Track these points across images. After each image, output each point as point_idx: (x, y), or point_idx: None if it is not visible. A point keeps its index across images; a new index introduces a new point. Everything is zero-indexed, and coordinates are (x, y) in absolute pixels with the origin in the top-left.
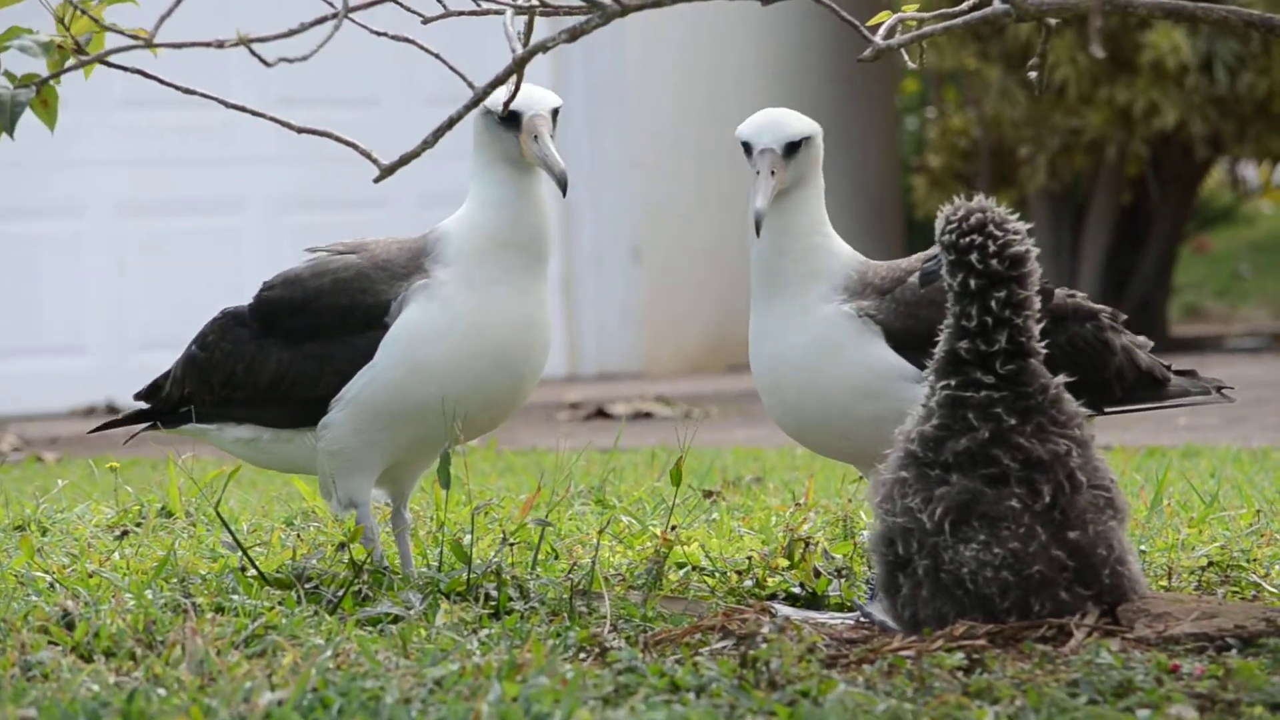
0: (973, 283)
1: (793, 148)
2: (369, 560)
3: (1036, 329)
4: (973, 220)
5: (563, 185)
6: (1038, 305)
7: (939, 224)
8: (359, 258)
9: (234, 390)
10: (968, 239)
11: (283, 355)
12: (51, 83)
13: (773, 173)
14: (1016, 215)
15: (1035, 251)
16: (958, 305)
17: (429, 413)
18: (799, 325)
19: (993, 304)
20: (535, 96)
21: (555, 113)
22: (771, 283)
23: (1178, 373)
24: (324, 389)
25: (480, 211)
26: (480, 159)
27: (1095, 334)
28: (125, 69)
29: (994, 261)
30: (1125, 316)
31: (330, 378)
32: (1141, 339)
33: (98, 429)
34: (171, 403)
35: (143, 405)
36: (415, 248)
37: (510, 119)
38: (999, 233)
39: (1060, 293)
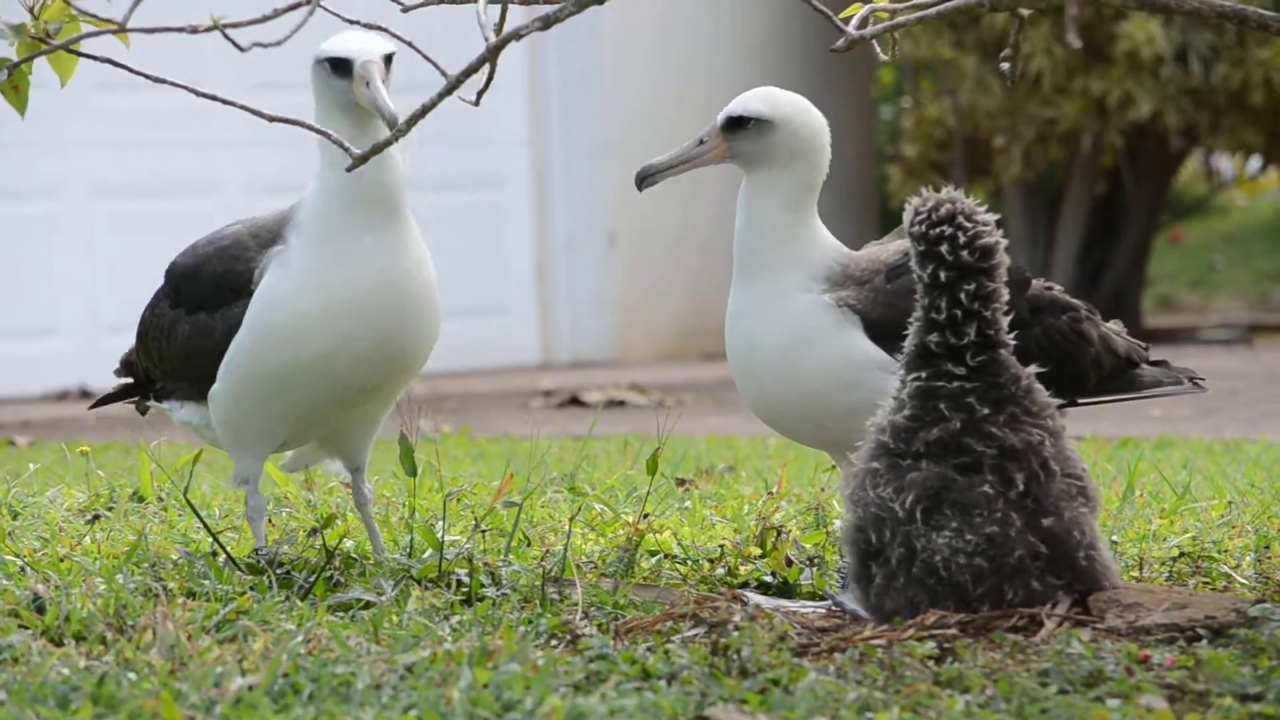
0: (943, 274)
1: (734, 123)
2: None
3: (1005, 321)
4: (942, 211)
5: (391, 125)
6: (1006, 297)
7: (907, 215)
8: (242, 226)
9: (165, 364)
10: (937, 230)
11: (185, 327)
12: (22, 67)
13: (701, 141)
14: (986, 206)
15: (1004, 243)
16: (927, 298)
17: (303, 378)
18: (776, 312)
19: (962, 296)
20: (366, 43)
21: (389, 59)
22: (748, 264)
23: (1151, 363)
24: (212, 360)
25: (327, 173)
26: (319, 112)
27: (1072, 325)
28: (95, 58)
29: (964, 253)
30: (1099, 314)
31: (213, 348)
32: (1116, 324)
33: (95, 404)
34: (141, 377)
35: (128, 380)
36: (281, 215)
37: (341, 67)
38: (969, 224)
39: (1038, 284)
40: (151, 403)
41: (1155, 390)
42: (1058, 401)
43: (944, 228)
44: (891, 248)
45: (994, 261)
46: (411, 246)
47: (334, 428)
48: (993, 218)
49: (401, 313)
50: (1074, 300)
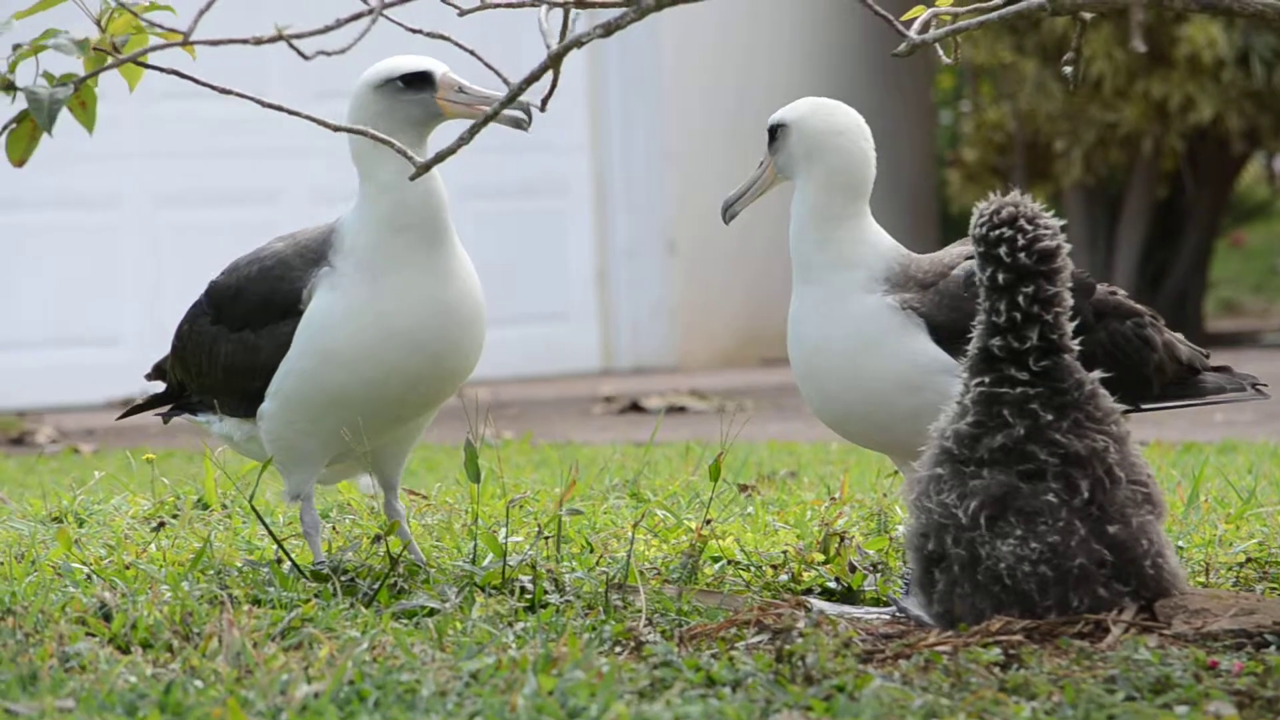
0: (1001, 277)
1: (770, 135)
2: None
3: (1069, 326)
4: (1004, 214)
5: (522, 122)
6: (1069, 302)
7: (973, 219)
8: (285, 244)
9: (204, 379)
10: (997, 232)
11: (228, 345)
12: (89, 83)
13: (760, 164)
14: (1051, 211)
15: (1067, 248)
16: (988, 300)
17: (352, 400)
18: (838, 314)
19: (1020, 299)
20: (428, 59)
21: None
22: (802, 268)
23: (1213, 369)
24: (259, 379)
25: (371, 199)
26: (360, 148)
27: (1136, 331)
28: (161, 69)
29: (1022, 255)
30: (1164, 320)
31: (261, 368)
32: (1176, 336)
33: (123, 415)
34: (173, 387)
35: (158, 387)
36: (322, 235)
37: (419, 81)
38: (1029, 227)
39: (1102, 289)
40: (185, 416)
41: (1219, 396)
42: (1122, 407)
43: (1004, 230)
44: (955, 251)
45: (1055, 265)
46: (459, 268)
47: (380, 444)
48: (1057, 222)
49: (452, 337)
50: (1138, 306)
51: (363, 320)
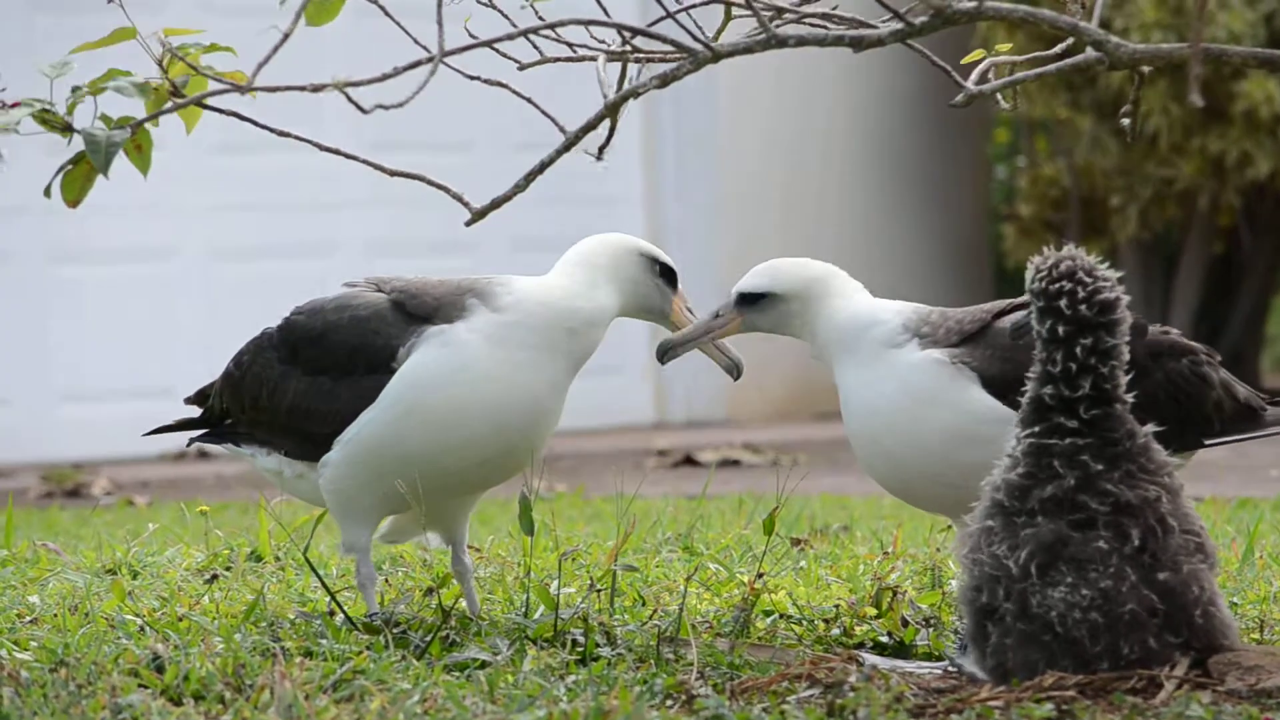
0: (1061, 329)
1: (748, 299)
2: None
3: (1124, 379)
4: (1063, 268)
5: (736, 371)
6: (1125, 356)
7: (1029, 273)
8: (383, 296)
9: (259, 414)
10: (1057, 285)
11: (299, 385)
12: (147, 126)
13: (717, 314)
14: (1107, 264)
15: (1126, 300)
16: (1045, 352)
17: (423, 461)
18: (884, 374)
19: (1078, 350)
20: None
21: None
22: (828, 358)
23: (1273, 402)
24: (330, 426)
25: (560, 286)
26: (605, 273)
27: (1192, 369)
28: (222, 111)
29: (1083, 308)
30: (1220, 356)
31: (335, 416)
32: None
33: (152, 432)
34: (214, 414)
35: (194, 412)
36: (466, 285)
37: (669, 275)
38: (1089, 279)
39: (1155, 329)
40: (227, 446)
41: None
42: (1176, 457)
43: (1064, 283)
44: (986, 306)
45: (1114, 317)
46: (566, 393)
47: (438, 503)
48: (1115, 274)
49: (533, 429)
50: (1193, 344)
51: (468, 375)
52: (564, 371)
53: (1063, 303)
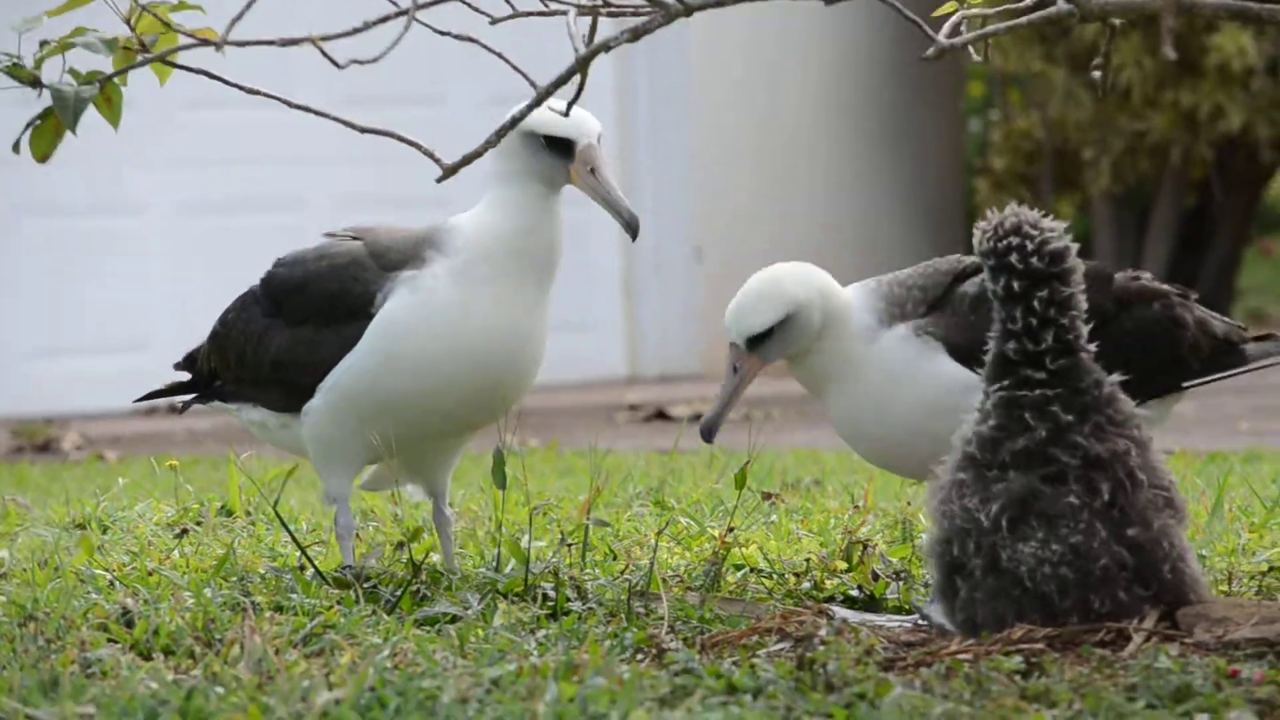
0: (1016, 284)
1: (758, 339)
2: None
3: (1084, 328)
4: (1008, 224)
5: (633, 230)
6: (1084, 304)
7: (976, 237)
8: (361, 243)
9: (244, 370)
10: (1005, 242)
11: (282, 337)
12: (115, 81)
13: (735, 369)
14: (1051, 216)
15: (1075, 247)
16: (1003, 310)
17: (403, 407)
18: (860, 364)
19: (1036, 304)
20: (585, 122)
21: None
22: (814, 383)
23: (1256, 337)
24: (312, 376)
25: (497, 215)
26: (507, 169)
27: (1164, 312)
28: (190, 69)
29: (1034, 260)
30: (1195, 294)
31: (317, 364)
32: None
33: (142, 398)
34: (204, 376)
35: (184, 376)
36: (421, 236)
37: (559, 144)
38: (1035, 232)
39: (1122, 277)
40: (215, 403)
41: (1266, 361)
42: (1144, 412)
43: (1011, 239)
44: (940, 267)
45: (1066, 266)
46: (544, 309)
47: (420, 453)
48: (1061, 225)
49: (517, 365)
50: (1164, 286)
51: (438, 326)
52: (529, 297)
53: (1013, 258)
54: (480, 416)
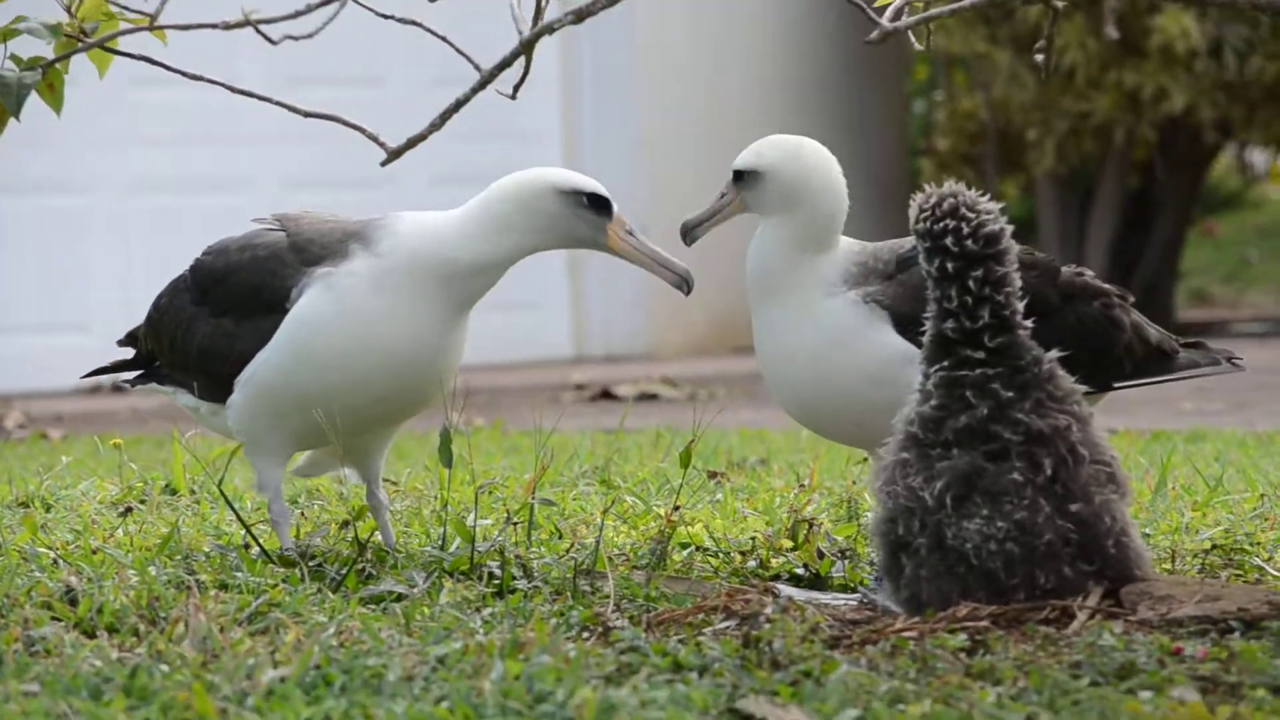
0: (950, 265)
1: (737, 176)
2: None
3: (1020, 305)
4: (945, 206)
5: (687, 286)
6: (1018, 282)
7: (912, 213)
8: (283, 236)
9: (175, 355)
10: (941, 224)
11: (206, 327)
12: (58, 66)
13: (723, 194)
14: (988, 195)
15: (1009, 229)
16: (938, 289)
17: (320, 402)
18: (805, 320)
19: (971, 284)
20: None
21: None
22: (763, 290)
23: (1185, 344)
24: (230, 368)
25: (445, 236)
26: (536, 226)
27: (1103, 311)
28: (131, 55)
29: (969, 242)
30: (1133, 298)
31: (235, 357)
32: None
33: (89, 374)
34: (144, 357)
35: (128, 353)
36: (350, 229)
37: (599, 203)
38: (971, 214)
39: (1068, 271)
40: (152, 385)
41: (1192, 371)
42: (1084, 389)
43: (947, 221)
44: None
45: (1000, 247)
46: (461, 333)
47: (349, 441)
48: (997, 206)
49: (426, 377)
50: (1106, 286)
51: (349, 325)
52: (444, 317)
53: (948, 240)
54: (396, 414)
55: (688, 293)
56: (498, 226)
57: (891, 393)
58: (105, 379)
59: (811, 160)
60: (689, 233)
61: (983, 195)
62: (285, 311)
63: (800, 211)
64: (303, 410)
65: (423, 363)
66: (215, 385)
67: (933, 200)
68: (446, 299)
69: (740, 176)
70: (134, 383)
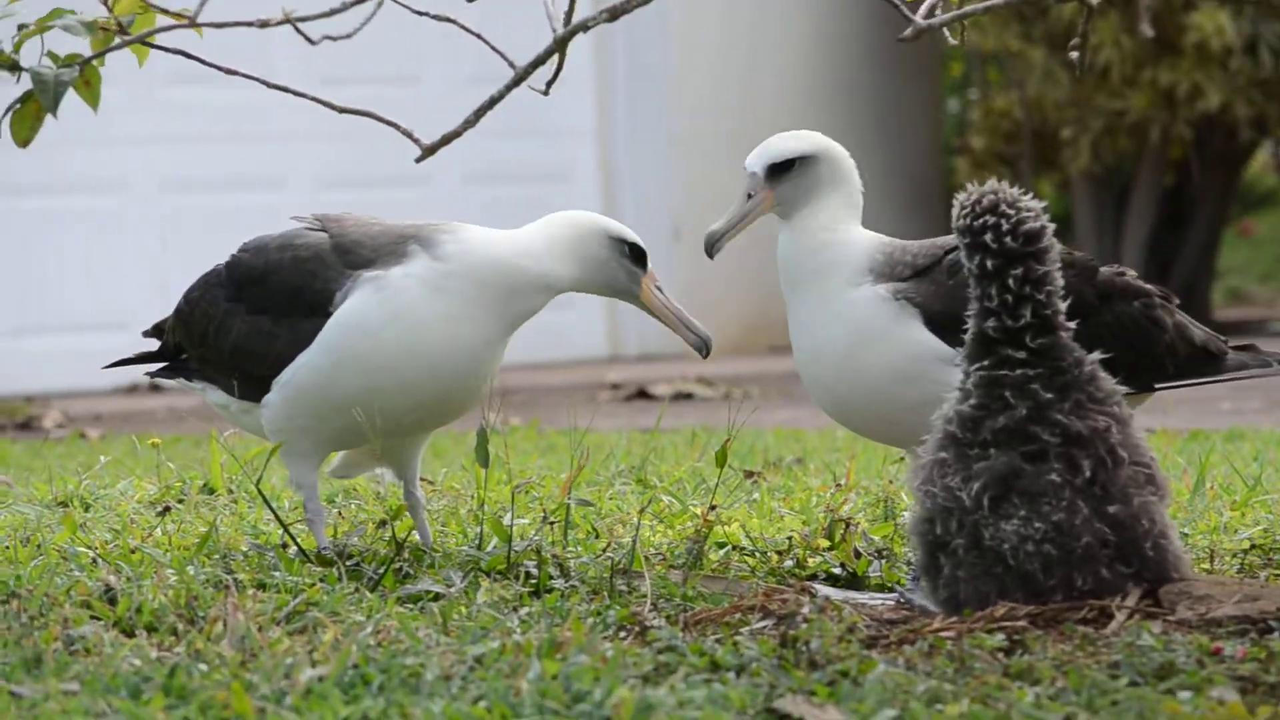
0: (989, 263)
1: (778, 169)
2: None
3: (1062, 304)
4: (985, 203)
5: (706, 349)
6: (1060, 281)
7: (954, 210)
8: (326, 236)
9: (206, 350)
10: (981, 221)
11: (242, 324)
12: (94, 63)
13: (749, 196)
14: (1030, 194)
15: (1051, 228)
16: (979, 288)
17: (361, 406)
18: (835, 313)
19: (1011, 282)
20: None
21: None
22: (793, 279)
23: (1237, 347)
24: (269, 368)
25: (532, 255)
26: (565, 245)
27: (1144, 311)
28: (168, 49)
29: (1008, 240)
30: (1177, 300)
31: (274, 357)
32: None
33: (112, 365)
34: (170, 350)
35: (153, 344)
36: (408, 231)
37: (637, 254)
38: (1011, 211)
39: (1107, 271)
40: (179, 380)
41: (1240, 373)
42: (1129, 389)
43: (987, 218)
44: (950, 236)
45: (1041, 245)
46: (502, 344)
47: (386, 443)
48: (1039, 204)
49: (467, 387)
50: (1147, 285)
51: (400, 327)
52: (499, 329)
53: (988, 237)
54: (434, 420)
55: (706, 355)
56: (560, 251)
57: (921, 390)
58: (143, 379)
59: (837, 143)
60: (715, 244)
61: (1025, 194)
62: (327, 315)
63: (838, 195)
64: (342, 413)
65: (466, 372)
66: (250, 384)
67: (973, 197)
68: (503, 312)
69: (787, 167)
70: (158, 374)
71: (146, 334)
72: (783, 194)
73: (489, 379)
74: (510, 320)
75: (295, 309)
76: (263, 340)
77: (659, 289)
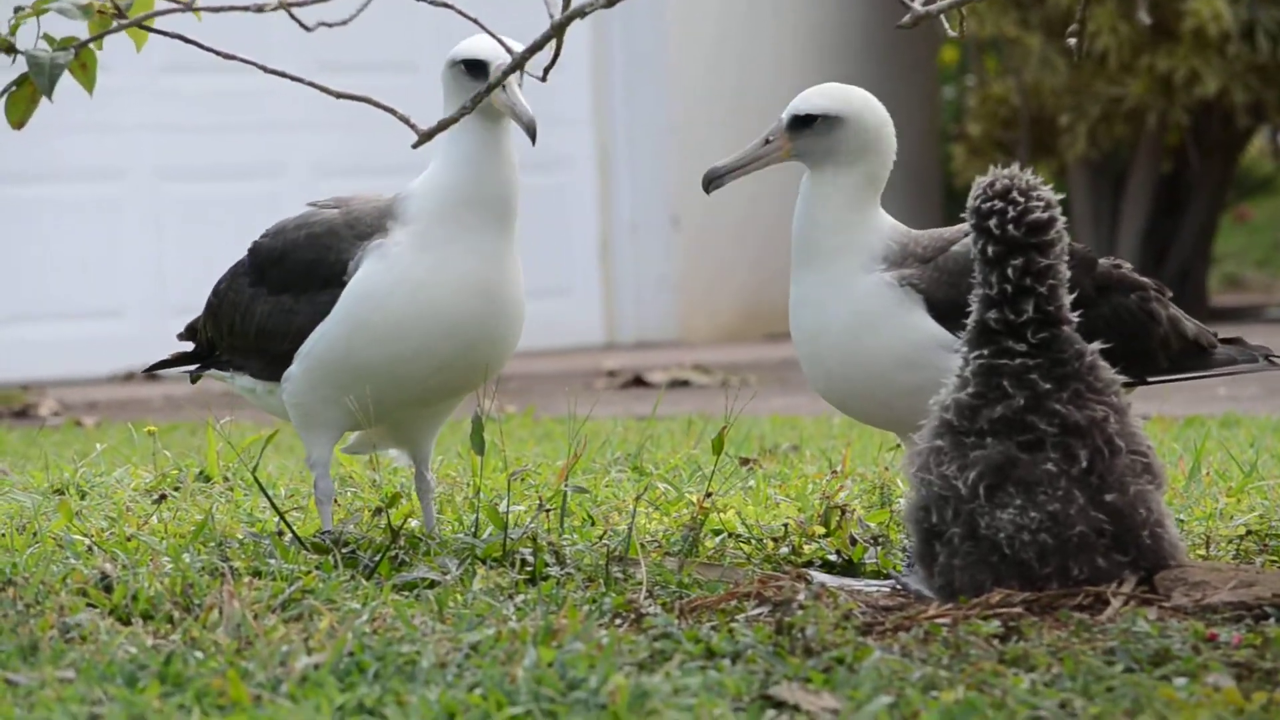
0: (991, 249)
1: (800, 122)
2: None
3: (1066, 298)
4: (998, 187)
5: (531, 133)
6: (1065, 274)
7: (972, 191)
8: (338, 213)
9: (235, 338)
10: (989, 205)
11: (265, 306)
12: (90, 46)
13: (768, 140)
14: (1050, 185)
15: (1061, 221)
16: (981, 273)
17: (378, 375)
18: (840, 296)
19: (1011, 272)
20: (495, 49)
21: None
22: (807, 254)
23: (1224, 340)
24: (289, 344)
25: (445, 169)
26: (449, 110)
27: (1140, 304)
28: (166, 34)
29: (1011, 228)
30: (1171, 292)
31: (294, 332)
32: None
33: (150, 369)
34: (204, 347)
35: (187, 346)
36: (383, 206)
37: (477, 68)
38: (1021, 199)
39: (1105, 263)
40: (212, 372)
41: (1229, 368)
42: (1123, 379)
43: (995, 202)
44: (959, 227)
45: (1046, 238)
46: (513, 258)
47: (403, 419)
48: (1053, 196)
49: (492, 325)
50: (1143, 279)
51: (407, 291)
52: (494, 243)
53: (993, 223)
54: (459, 382)
55: (533, 140)
56: (449, 136)
57: (920, 376)
58: (140, 363)
59: (883, 111)
60: (714, 180)
61: (1044, 184)
62: (343, 285)
63: (863, 164)
64: (360, 383)
65: (483, 311)
66: (273, 362)
67: (988, 180)
68: (482, 229)
69: (807, 122)
70: (196, 375)
71: (181, 336)
72: (800, 147)
73: (514, 308)
74: (499, 231)
75: (313, 282)
76: (284, 318)
77: (503, 87)
